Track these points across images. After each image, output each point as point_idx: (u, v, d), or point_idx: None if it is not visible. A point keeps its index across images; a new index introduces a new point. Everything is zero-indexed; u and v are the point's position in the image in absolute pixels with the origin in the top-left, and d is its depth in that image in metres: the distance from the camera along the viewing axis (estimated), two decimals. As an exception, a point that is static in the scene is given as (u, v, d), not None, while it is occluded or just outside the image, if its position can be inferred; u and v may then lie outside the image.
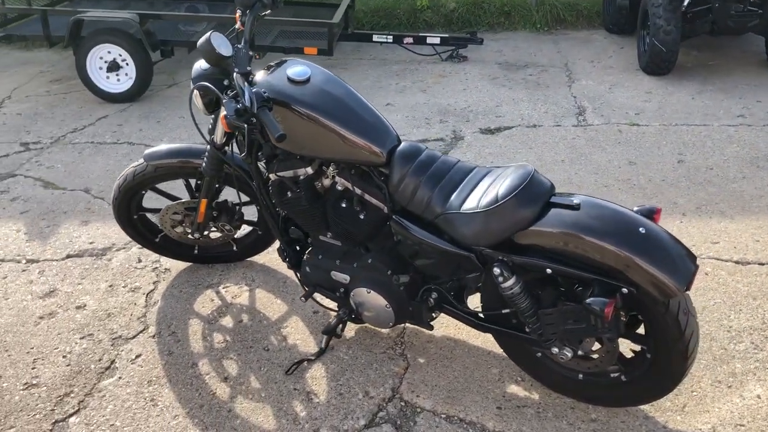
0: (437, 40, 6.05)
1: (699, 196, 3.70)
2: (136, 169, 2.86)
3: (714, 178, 3.89)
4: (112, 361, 2.71)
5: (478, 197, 2.15)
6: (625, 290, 2.02)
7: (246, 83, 2.27)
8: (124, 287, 3.15)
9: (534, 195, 2.09)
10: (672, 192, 3.74)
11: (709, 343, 2.67)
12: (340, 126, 2.29)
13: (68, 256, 3.40)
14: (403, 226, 2.31)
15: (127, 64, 5.26)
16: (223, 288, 3.12)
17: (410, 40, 6.07)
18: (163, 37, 5.48)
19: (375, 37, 6.07)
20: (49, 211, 3.84)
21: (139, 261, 3.34)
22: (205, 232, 3.05)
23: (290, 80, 2.35)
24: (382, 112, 2.46)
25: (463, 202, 2.18)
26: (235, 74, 2.27)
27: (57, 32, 5.38)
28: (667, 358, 2.13)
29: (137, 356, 2.73)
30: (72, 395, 2.54)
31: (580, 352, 2.21)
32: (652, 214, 2.15)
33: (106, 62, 5.26)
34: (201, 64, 2.53)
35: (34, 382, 2.61)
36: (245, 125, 2.22)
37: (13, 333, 2.87)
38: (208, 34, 2.32)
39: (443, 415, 2.41)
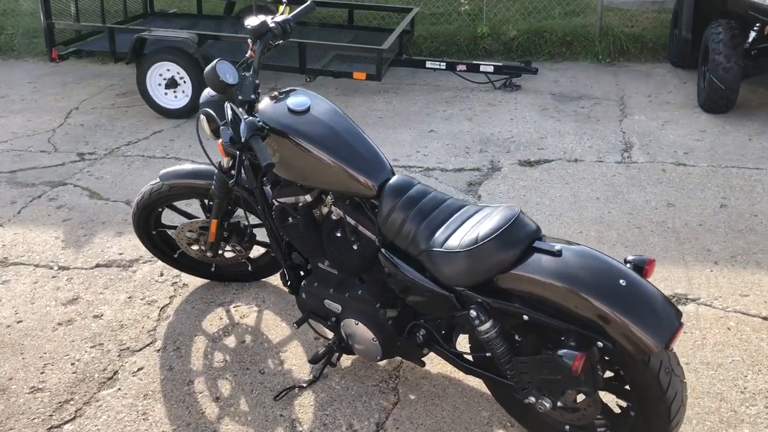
0: (490, 69, 6.01)
1: (736, 244, 3.51)
2: (152, 187, 2.96)
3: (757, 226, 3.69)
4: (115, 372, 2.80)
5: (461, 236, 2.12)
6: (600, 344, 1.94)
7: (243, 111, 2.32)
8: (141, 299, 3.26)
9: (515, 238, 2.04)
10: (707, 238, 3.57)
11: (719, 404, 2.53)
12: (333, 157, 2.31)
13: (97, 266, 3.55)
14: (389, 260, 2.30)
15: (184, 81, 5.47)
16: (234, 307, 3.18)
17: (463, 67, 6.06)
18: (227, 57, 5.65)
19: (428, 64, 6.09)
20: (89, 220, 4.01)
21: (161, 275, 3.44)
22: (219, 251, 3.11)
23: (290, 110, 2.40)
24: (378, 145, 2.48)
25: (447, 239, 2.15)
26: (227, 104, 2.33)
27: (123, 49, 5.64)
28: (649, 418, 2.03)
29: (139, 369, 2.81)
30: (71, 402, 2.64)
31: (559, 404, 2.13)
32: (642, 265, 2.07)
33: (165, 79, 5.48)
34: (209, 90, 2.61)
35: (40, 386, 2.73)
36: (238, 152, 2.27)
37: (32, 337, 3.01)
38: (214, 62, 2.39)
39: (423, 455, 2.37)
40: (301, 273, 2.76)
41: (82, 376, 2.78)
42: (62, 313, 3.17)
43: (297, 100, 2.42)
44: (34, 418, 2.57)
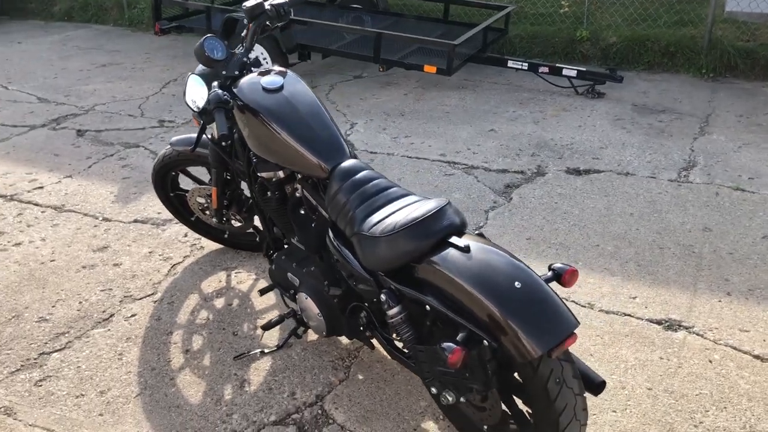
0: (573, 73, 5.85)
1: (761, 278, 3.27)
2: (165, 152, 3.22)
3: (795, 263, 3.41)
4: (112, 315, 3.09)
5: (386, 223, 2.18)
6: (486, 342, 1.94)
7: (216, 85, 2.51)
8: (159, 255, 3.54)
9: (428, 230, 2.08)
10: (731, 268, 3.35)
11: (666, 435, 2.42)
12: (291, 136, 2.44)
13: (134, 221, 3.89)
14: (330, 239, 2.40)
15: (267, 62, 5.77)
16: (235, 273, 3.39)
17: (546, 69, 5.94)
18: (305, 42, 5.91)
19: (510, 63, 6.03)
20: (144, 180, 4.38)
21: (185, 236, 3.72)
22: (225, 220, 3.32)
23: (263, 88, 2.54)
24: (340, 129, 2.57)
25: (374, 225, 2.21)
26: (190, 75, 2.52)
27: (217, 27, 6.03)
28: (540, 427, 2.00)
29: (132, 315, 3.09)
30: (66, 335, 2.95)
31: (462, 399, 2.14)
32: (561, 273, 2.04)
33: (250, 59, 5.80)
34: (201, 65, 2.81)
35: (47, 318, 3.07)
36: (202, 121, 2.46)
37: (57, 275, 3.37)
38: (203, 38, 2.59)
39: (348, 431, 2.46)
40: (285, 246, 2.91)
41: (84, 314, 3.09)
42: (89, 258, 3.52)
43: (270, 79, 2.56)
44: (32, 344, 2.90)
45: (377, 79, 6.37)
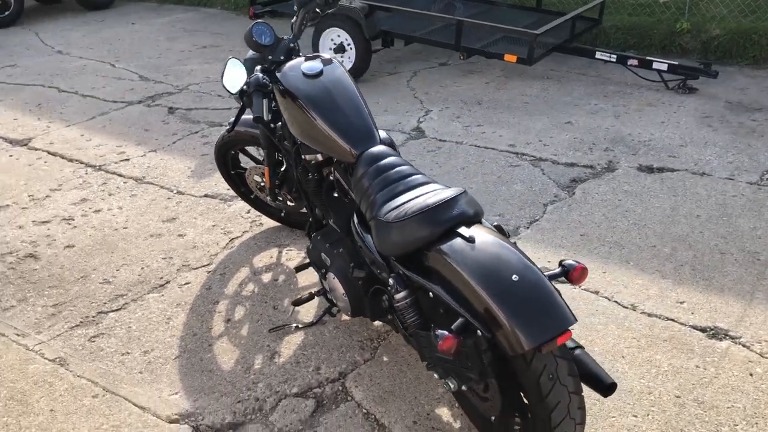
0: (664, 67, 5.60)
1: (827, 291, 3.06)
2: (224, 131, 3.38)
3: None
4: (168, 282, 3.30)
5: (400, 209, 2.22)
6: (480, 333, 1.95)
7: (259, 69, 2.63)
8: (221, 229, 3.74)
9: (437, 219, 2.10)
10: (797, 279, 3.15)
11: (687, 444, 2.33)
12: (323, 120, 2.52)
13: (205, 196, 4.11)
14: (354, 223, 2.47)
15: (350, 48, 5.89)
16: (286, 250, 3.53)
17: (635, 62, 5.72)
18: (388, 29, 5.98)
19: (598, 54, 5.84)
20: (220, 158, 4.61)
21: (248, 212, 3.90)
22: (279, 199, 3.46)
23: (303, 73, 2.63)
24: (373, 116, 2.62)
25: (390, 210, 2.26)
26: (230, 58, 2.64)
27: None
28: (533, 422, 2.00)
29: (186, 283, 3.29)
30: (124, 297, 3.19)
31: (464, 387, 2.16)
32: (569, 269, 2.02)
33: (335, 44, 5.95)
34: (251, 51, 2.93)
35: (111, 280, 3.32)
36: (242, 103, 2.58)
37: (126, 241, 3.64)
38: (252, 23, 2.72)
39: (364, 411, 2.53)
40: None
41: (143, 279, 3.32)
42: (158, 227, 3.77)
43: (311, 65, 2.65)
44: (93, 303, 3.16)
45: (461, 66, 6.35)
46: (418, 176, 2.40)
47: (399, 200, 2.29)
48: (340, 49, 5.93)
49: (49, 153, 4.73)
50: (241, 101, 2.74)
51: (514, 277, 1.92)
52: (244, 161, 3.64)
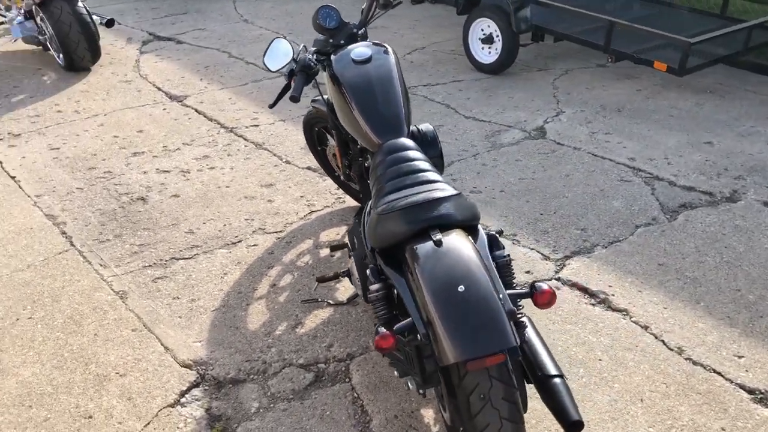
0: None
1: None
2: (309, 110, 3.55)
3: None
4: (240, 241, 3.57)
5: (390, 203, 2.23)
6: (419, 337, 1.92)
7: (311, 51, 2.74)
8: (306, 201, 3.94)
9: (414, 218, 2.09)
10: None
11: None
12: (356, 106, 2.58)
13: (307, 168, 4.34)
14: (364, 211, 2.51)
15: (498, 39, 5.80)
16: (354, 230, 3.64)
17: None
18: (541, 23, 5.79)
19: (773, 72, 5.21)
20: (337, 134, 4.81)
21: (337, 189, 4.06)
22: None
23: (352, 59, 2.70)
24: (409, 108, 2.62)
25: (385, 203, 2.27)
26: (276, 38, 2.76)
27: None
28: (464, 437, 1.95)
29: (254, 245, 3.53)
30: (198, 249, 3.50)
31: (421, 391, 2.14)
32: (535, 291, 1.93)
33: (484, 34, 5.89)
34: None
35: (194, 231, 3.66)
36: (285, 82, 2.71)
37: (223, 198, 3.97)
38: (320, 7, 2.84)
39: (354, 395, 2.59)
40: None
41: (220, 235, 3.61)
42: (254, 191, 4.05)
43: (361, 50, 2.71)
44: (171, 248, 3.51)
45: (617, 70, 5.98)
46: (429, 173, 2.38)
47: (398, 194, 2.29)
48: (488, 40, 5.85)
49: (196, 110, 5.23)
50: (289, 79, 2.87)
51: (460, 288, 1.87)
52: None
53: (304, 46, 2.92)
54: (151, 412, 2.52)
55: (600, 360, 2.71)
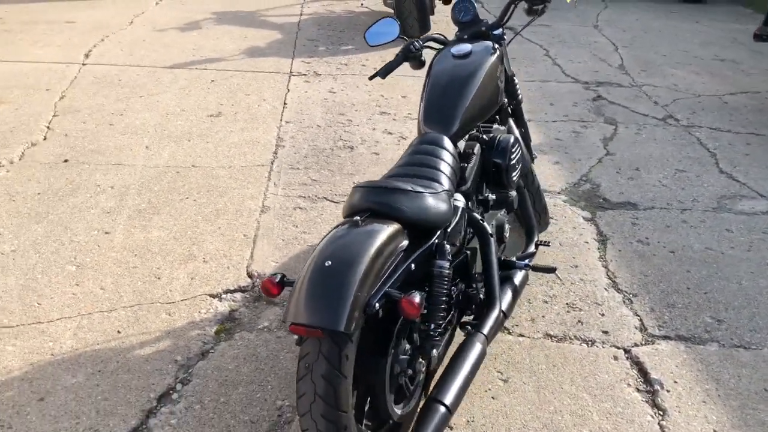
0: None
1: None
2: None
3: None
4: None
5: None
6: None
7: (424, 41, 2.86)
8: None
9: (361, 198, 2.17)
10: None
11: None
12: (424, 95, 2.67)
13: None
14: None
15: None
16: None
17: None
18: None
19: None
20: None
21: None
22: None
23: (452, 53, 2.76)
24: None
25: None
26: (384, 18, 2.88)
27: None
28: (298, 400, 2.03)
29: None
30: (349, 197, 3.91)
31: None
32: (400, 297, 1.92)
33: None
34: None
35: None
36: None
37: (408, 168, 4.27)
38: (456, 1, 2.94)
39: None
40: None
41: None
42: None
43: (462, 46, 2.74)
44: (330, 191, 3.98)
45: None
46: (429, 170, 2.38)
47: (390, 178, 2.37)
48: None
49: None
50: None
51: (327, 263, 1.94)
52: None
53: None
54: (195, 293, 3.05)
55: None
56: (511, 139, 2.74)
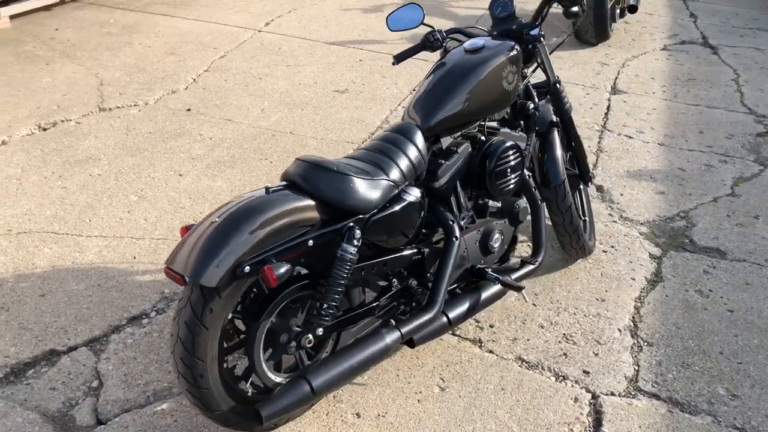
0: None
1: None
2: None
3: None
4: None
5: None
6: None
7: (450, 32, 2.79)
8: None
9: (288, 170, 2.25)
10: None
11: None
12: (421, 86, 2.61)
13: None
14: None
15: None
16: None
17: None
18: None
19: None
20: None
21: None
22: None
23: (464, 48, 2.67)
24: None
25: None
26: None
27: None
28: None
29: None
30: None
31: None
32: (262, 265, 1.99)
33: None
34: None
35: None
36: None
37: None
38: (495, -4, 2.83)
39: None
40: None
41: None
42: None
43: (475, 41, 2.64)
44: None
45: None
46: (381, 157, 2.36)
47: (343, 158, 2.40)
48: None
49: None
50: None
51: (215, 219, 2.04)
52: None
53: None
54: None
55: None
56: (505, 144, 2.59)
